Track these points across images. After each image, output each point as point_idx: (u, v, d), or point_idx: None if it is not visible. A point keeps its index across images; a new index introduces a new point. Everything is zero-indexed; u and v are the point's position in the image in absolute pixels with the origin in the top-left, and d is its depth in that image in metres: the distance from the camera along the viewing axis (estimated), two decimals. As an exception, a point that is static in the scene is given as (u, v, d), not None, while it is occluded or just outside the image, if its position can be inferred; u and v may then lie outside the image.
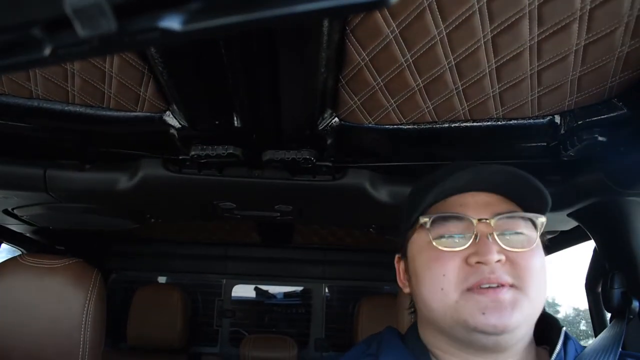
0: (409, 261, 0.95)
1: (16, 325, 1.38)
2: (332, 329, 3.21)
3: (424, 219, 0.89)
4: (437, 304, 0.85)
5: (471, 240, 0.84)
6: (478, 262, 0.82)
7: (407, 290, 0.99)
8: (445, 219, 0.88)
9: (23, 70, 0.97)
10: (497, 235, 0.84)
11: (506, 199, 0.90)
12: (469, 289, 0.82)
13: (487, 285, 0.81)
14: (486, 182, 0.89)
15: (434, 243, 0.87)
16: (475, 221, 0.85)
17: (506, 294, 0.80)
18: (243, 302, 3.32)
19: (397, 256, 1.03)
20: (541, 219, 0.88)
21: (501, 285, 0.80)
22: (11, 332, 1.37)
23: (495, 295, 0.80)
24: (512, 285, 0.81)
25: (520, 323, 0.80)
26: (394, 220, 1.80)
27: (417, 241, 0.92)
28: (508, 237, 0.85)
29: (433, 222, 0.88)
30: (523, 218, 0.88)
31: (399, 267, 1.02)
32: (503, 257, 0.82)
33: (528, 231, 0.87)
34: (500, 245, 0.83)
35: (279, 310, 3.34)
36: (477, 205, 0.88)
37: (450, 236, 0.87)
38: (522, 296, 0.81)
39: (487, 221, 0.85)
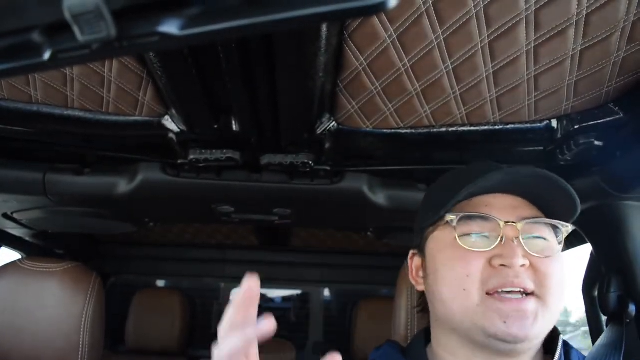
0: (428, 258, 0.94)
1: (15, 328, 1.38)
2: (331, 332, 3.20)
3: (450, 217, 0.87)
4: (458, 304, 0.84)
5: (497, 242, 0.83)
6: (502, 265, 0.81)
7: (420, 288, 0.98)
8: (471, 218, 0.87)
9: (23, 75, 0.98)
10: (523, 240, 0.83)
11: (531, 204, 0.89)
12: (490, 293, 0.81)
13: (509, 290, 0.80)
14: (514, 184, 0.88)
15: (459, 241, 0.85)
16: (502, 223, 0.84)
17: (529, 304, 0.79)
18: (241, 305, 3.30)
19: (411, 252, 1.02)
20: (567, 228, 0.88)
21: (524, 294, 0.80)
22: (10, 336, 1.37)
23: (519, 305, 0.79)
24: (533, 293, 0.81)
25: (540, 333, 0.81)
26: (392, 223, 1.81)
27: (440, 238, 0.91)
28: (533, 242, 0.85)
29: (459, 221, 0.87)
30: (548, 224, 0.88)
31: (412, 263, 1.01)
32: (527, 262, 0.81)
33: (551, 238, 0.87)
34: (525, 250, 0.82)
35: (278, 314, 3.33)
36: (503, 207, 0.87)
37: (476, 235, 0.86)
38: (543, 306, 0.80)
39: (514, 224, 0.84)
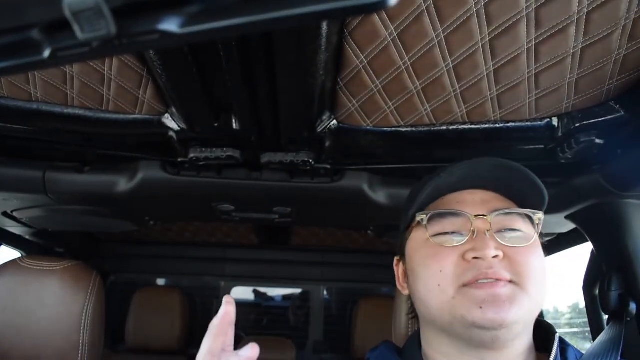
0: (407, 260, 0.95)
1: (15, 327, 1.38)
2: (331, 330, 3.21)
3: (420, 216, 0.89)
4: (435, 300, 0.84)
5: (468, 237, 0.84)
6: (475, 258, 0.82)
7: (406, 292, 0.98)
8: (442, 215, 0.88)
9: (23, 73, 0.98)
10: (495, 232, 0.84)
11: (502, 197, 0.90)
12: (466, 285, 0.81)
13: (485, 281, 0.80)
14: (482, 179, 0.89)
15: (431, 240, 0.86)
16: (472, 217, 0.85)
17: (504, 288, 0.79)
18: (241, 304, 3.30)
19: (395, 259, 1.03)
20: (538, 215, 0.88)
21: (499, 280, 0.80)
22: (10, 334, 1.37)
23: (493, 290, 0.79)
24: (510, 281, 0.80)
25: (519, 318, 0.79)
26: (392, 222, 1.81)
27: (415, 239, 0.92)
28: (505, 234, 0.85)
29: (430, 219, 0.88)
30: (520, 215, 0.88)
31: (398, 269, 1.02)
32: (501, 253, 0.82)
33: (526, 228, 0.87)
34: (498, 242, 0.83)
35: (278, 312, 3.33)
36: (474, 202, 0.88)
37: (448, 233, 0.87)
38: (521, 292, 0.80)
39: (485, 217, 0.85)
